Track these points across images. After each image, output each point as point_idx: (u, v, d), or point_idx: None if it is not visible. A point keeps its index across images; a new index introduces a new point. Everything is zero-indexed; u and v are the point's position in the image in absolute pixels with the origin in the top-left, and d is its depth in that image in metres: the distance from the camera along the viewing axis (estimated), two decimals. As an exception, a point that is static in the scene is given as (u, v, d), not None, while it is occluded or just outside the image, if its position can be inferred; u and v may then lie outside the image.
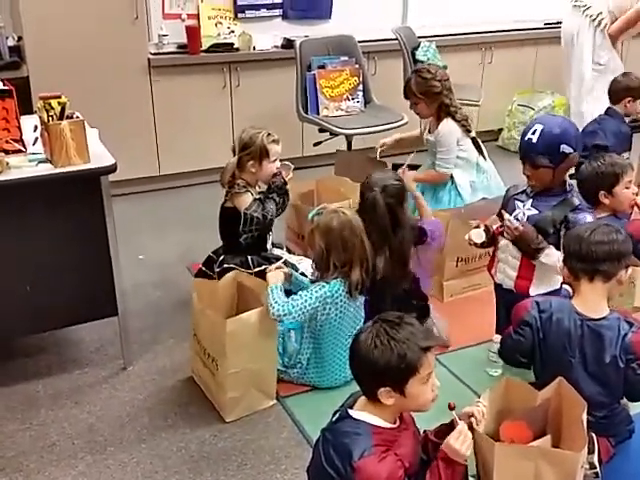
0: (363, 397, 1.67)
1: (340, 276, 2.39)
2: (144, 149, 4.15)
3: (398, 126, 3.89)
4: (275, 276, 2.42)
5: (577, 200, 2.45)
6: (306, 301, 2.35)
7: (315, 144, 4.13)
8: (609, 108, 3.69)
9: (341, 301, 2.41)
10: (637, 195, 2.77)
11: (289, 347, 2.54)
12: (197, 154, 4.22)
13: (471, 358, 2.68)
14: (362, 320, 2.48)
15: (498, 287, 2.64)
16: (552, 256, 2.40)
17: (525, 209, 2.48)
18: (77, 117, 2.35)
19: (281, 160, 2.95)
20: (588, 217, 2.39)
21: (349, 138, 4.06)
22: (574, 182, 2.62)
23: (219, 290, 2.53)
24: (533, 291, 2.48)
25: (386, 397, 1.59)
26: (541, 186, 2.46)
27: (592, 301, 2.00)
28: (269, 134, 2.86)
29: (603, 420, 2.02)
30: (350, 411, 1.66)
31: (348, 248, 2.37)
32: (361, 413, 1.64)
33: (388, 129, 3.90)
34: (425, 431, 1.78)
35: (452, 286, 3.11)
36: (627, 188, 2.73)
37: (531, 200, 2.47)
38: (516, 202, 2.52)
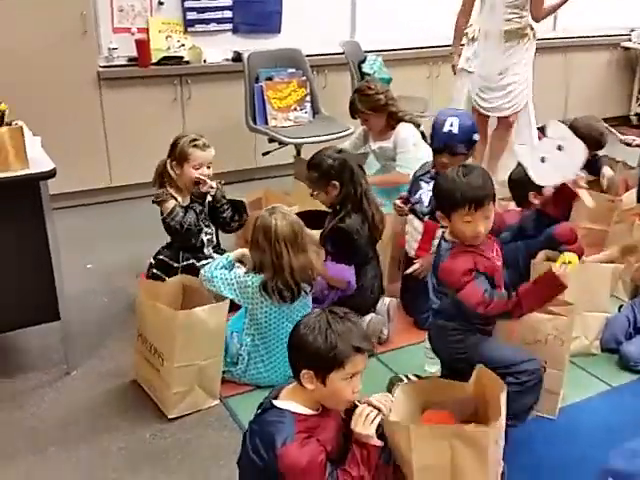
0: (287, 387, 1.75)
1: (260, 273, 2.46)
2: (96, 161, 4.18)
3: (345, 136, 3.99)
4: (241, 252, 2.59)
5: None
6: (229, 278, 2.47)
7: (264, 154, 4.21)
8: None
9: (266, 298, 2.46)
10: None
11: (231, 348, 2.58)
12: (149, 166, 4.21)
13: (410, 356, 2.76)
14: None
15: (405, 255, 2.99)
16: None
17: (427, 189, 2.76)
18: (16, 124, 2.40)
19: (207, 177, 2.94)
20: None
21: (298, 147, 4.15)
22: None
23: (164, 290, 2.58)
24: None
25: (307, 380, 1.65)
26: None
27: None
28: (194, 139, 2.88)
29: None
30: (274, 401, 1.72)
31: (258, 250, 2.45)
32: (285, 402, 1.70)
33: (335, 138, 3.99)
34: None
35: (394, 288, 3.18)
36: None
37: (433, 181, 2.57)
38: (421, 182, 2.86)
